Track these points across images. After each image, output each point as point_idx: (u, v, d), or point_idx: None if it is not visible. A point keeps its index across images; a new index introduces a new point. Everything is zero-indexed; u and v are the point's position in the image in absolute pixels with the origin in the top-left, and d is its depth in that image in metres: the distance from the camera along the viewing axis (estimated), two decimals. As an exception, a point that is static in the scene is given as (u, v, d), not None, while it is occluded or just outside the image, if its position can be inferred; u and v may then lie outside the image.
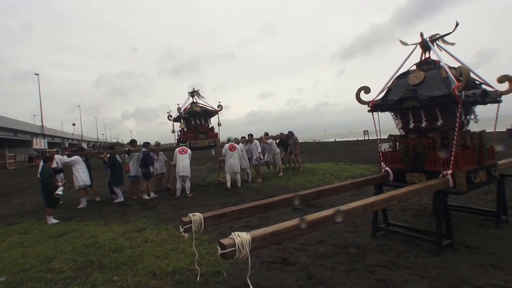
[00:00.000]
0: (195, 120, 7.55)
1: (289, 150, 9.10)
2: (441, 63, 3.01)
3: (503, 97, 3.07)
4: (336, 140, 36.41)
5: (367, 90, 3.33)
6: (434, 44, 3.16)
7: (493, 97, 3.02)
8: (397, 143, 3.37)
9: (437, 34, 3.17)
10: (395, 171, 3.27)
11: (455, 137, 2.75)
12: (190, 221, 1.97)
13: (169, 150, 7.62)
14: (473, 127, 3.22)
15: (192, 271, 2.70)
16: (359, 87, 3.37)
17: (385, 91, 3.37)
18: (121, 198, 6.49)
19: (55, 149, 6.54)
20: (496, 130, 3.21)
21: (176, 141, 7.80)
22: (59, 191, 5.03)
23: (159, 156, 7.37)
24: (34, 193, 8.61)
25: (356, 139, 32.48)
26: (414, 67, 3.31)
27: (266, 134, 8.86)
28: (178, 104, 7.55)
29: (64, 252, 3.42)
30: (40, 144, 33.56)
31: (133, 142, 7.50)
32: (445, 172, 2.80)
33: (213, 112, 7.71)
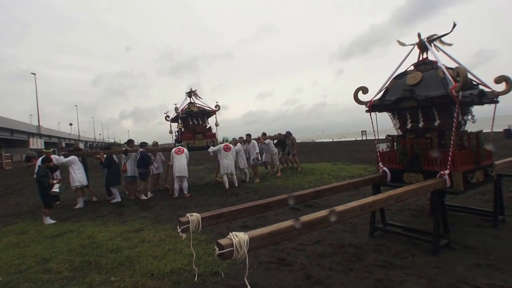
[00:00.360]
0: (193, 120, 7.53)
1: (287, 150, 9.10)
2: (438, 64, 3.03)
3: (500, 98, 3.09)
4: (334, 140, 36.53)
5: (365, 90, 3.34)
6: (432, 44, 3.18)
7: (490, 98, 3.04)
8: (395, 143, 3.39)
9: (435, 35, 3.19)
10: (392, 171, 3.28)
11: (452, 137, 2.76)
12: (187, 221, 1.96)
13: (166, 151, 7.60)
14: (470, 127, 3.24)
15: (189, 271, 2.69)
16: (357, 87, 3.38)
17: (383, 91, 3.38)
18: (118, 199, 6.45)
19: (51, 149, 6.48)
20: (493, 131, 3.23)
21: (174, 142, 7.79)
22: (55, 188, 5.00)
23: (156, 157, 7.33)
24: (30, 193, 8.54)
25: (354, 139, 32.61)
26: (412, 68, 3.32)
27: (264, 134, 8.86)
28: (175, 104, 7.53)
29: (61, 252, 3.39)
30: (36, 144, 33.31)
31: (130, 142, 7.44)
32: (442, 172, 2.81)
33: (211, 112, 7.70)
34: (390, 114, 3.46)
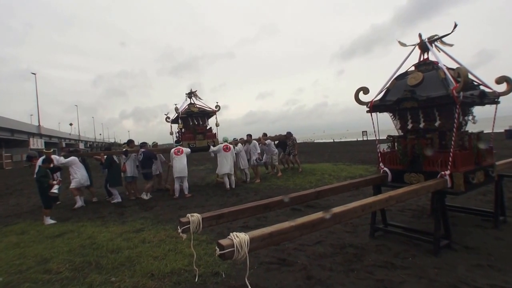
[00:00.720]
0: (193, 121, 7.54)
1: (287, 151, 9.10)
2: (439, 64, 3.02)
3: (501, 98, 3.08)
4: (335, 140, 36.46)
5: (366, 90, 3.34)
6: (433, 45, 3.17)
7: (491, 98, 3.04)
8: (396, 144, 3.38)
9: (436, 35, 3.18)
10: (393, 172, 3.27)
11: (453, 138, 2.76)
12: (188, 222, 1.96)
13: (168, 152, 7.62)
14: (471, 128, 3.24)
15: (190, 271, 2.68)
16: (358, 87, 3.38)
17: (383, 91, 3.38)
18: (118, 199, 6.45)
19: (51, 150, 6.49)
20: (494, 131, 3.23)
21: (174, 143, 7.82)
22: (54, 189, 5.00)
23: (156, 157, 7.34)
24: (31, 193, 8.54)
25: (355, 139, 32.58)
26: (413, 68, 3.32)
27: (265, 135, 8.86)
28: (175, 104, 7.54)
29: (61, 252, 3.39)
30: (37, 144, 33.34)
31: (130, 142, 7.42)
32: (443, 172, 2.81)
33: (211, 113, 7.71)
34: (391, 114, 3.45)
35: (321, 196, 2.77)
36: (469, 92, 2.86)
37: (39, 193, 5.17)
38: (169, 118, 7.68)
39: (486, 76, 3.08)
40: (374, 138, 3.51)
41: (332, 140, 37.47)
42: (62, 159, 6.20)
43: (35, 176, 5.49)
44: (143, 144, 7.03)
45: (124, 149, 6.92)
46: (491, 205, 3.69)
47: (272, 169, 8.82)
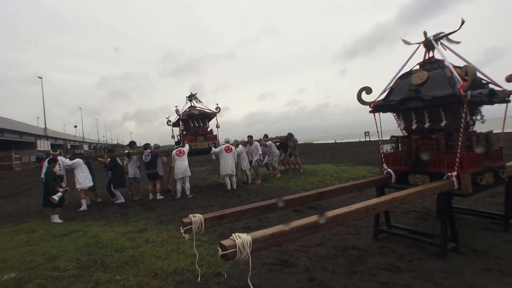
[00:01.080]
0: (194, 123, 7.57)
1: (288, 152, 9.06)
2: (445, 62, 2.96)
3: (512, 97, 3.00)
4: (337, 141, 35.99)
5: (368, 90, 3.29)
6: (438, 43, 3.11)
7: (501, 97, 2.95)
8: (400, 144, 3.32)
9: (442, 33, 3.11)
10: (397, 173, 3.22)
11: (460, 138, 2.70)
12: (190, 222, 1.96)
13: (169, 154, 7.67)
14: (479, 127, 3.15)
15: (192, 271, 2.68)
16: (360, 87, 3.34)
17: (387, 91, 3.33)
18: (121, 199, 6.53)
19: (58, 151, 6.65)
20: (504, 131, 3.14)
21: (175, 144, 7.89)
22: (57, 196, 5.09)
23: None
24: (39, 193, 8.70)
25: (357, 140, 32.18)
26: (417, 67, 3.26)
27: (266, 136, 8.85)
28: (176, 106, 7.59)
29: (68, 251, 3.45)
30: (43, 145, 34.00)
31: (132, 144, 7.47)
32: (449, 174, 2.74)
33: (211, 115, 7.73)
34: (395, 114, 3.40)
35: (323, 198, 2.74)
36: (478, 91, 2.79)
37: (44, 193, 5.29)
38: (170, 121, 7.72)
39: (496, 74, 2.99)
40: (377, 139, 3.46)
41: (334, 141, 36.97)
42: (68, 161, 6.33)
43: (42, 176, 5.65)
44: (146, 146, 7.10)
45: (126, 151, 7.00)
46: (501, 207, 3.60)
47: (273, 171, 8.79)
